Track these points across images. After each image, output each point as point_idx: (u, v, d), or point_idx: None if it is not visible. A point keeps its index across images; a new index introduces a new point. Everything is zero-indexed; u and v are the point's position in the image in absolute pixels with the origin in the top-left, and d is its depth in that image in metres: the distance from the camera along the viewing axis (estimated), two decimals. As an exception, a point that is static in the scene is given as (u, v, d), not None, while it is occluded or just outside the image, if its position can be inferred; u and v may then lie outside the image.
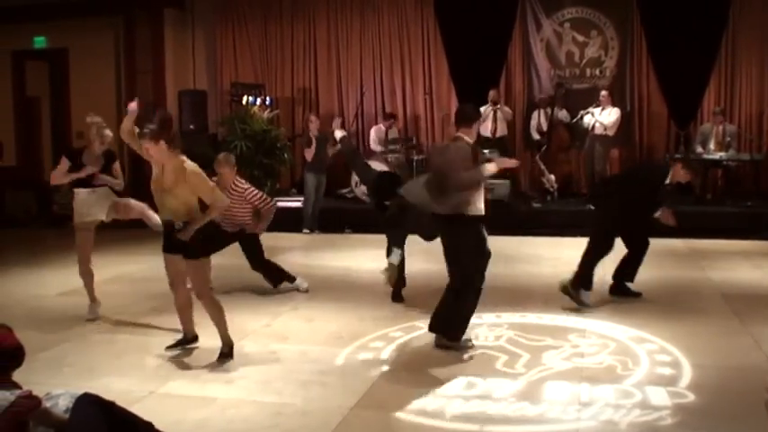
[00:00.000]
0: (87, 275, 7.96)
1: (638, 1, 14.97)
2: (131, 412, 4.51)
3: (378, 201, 8.94)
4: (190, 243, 6.38)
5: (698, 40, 14.23)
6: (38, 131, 17.74)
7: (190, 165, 6.51)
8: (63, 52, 17.10)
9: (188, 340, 6.89)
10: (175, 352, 6.75)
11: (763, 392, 3.35)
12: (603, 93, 14.49)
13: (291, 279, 9.02)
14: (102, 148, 8.12)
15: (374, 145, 15.37)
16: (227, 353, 6.56)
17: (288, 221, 12.79)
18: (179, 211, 6.47)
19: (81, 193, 7.89)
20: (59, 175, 7.90)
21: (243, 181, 8.96)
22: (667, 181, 8.07)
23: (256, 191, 8.94)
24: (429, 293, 8.81)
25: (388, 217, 8.46)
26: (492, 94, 14.87)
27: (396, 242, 8.32)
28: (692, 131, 14.75)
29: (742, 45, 14.94)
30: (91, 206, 7.86)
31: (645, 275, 9.72)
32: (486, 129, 14.62)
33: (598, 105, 14.29)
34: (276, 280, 9.00)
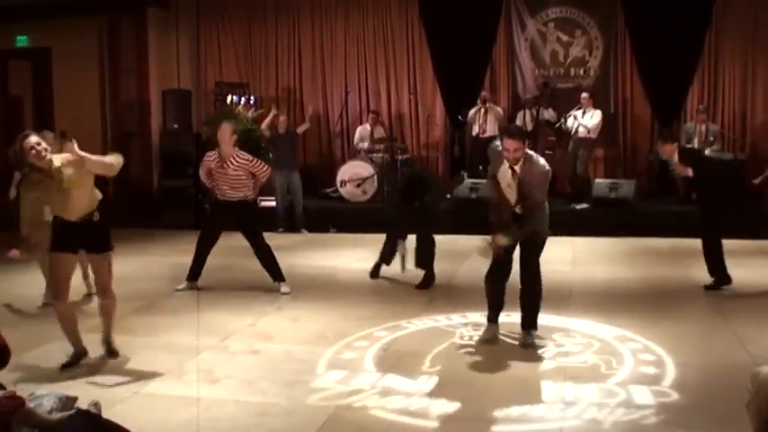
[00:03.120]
0: None
1: (622, 1, 15.02)
2: (118, 424, 4.47)
3: (406, 200, 9.41)
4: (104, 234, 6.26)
5: (681, 39, 14.27)
6: (20, 131, 17.55)
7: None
8: (46, 51, 17.01)
9: (83, 354, 6.51)
10: (75, 371, 6.30)
11: (749, 388, 3.35)
12: (584, 95, 14.47)
13: (280, 279, 8.99)
14: None
15: (359, 144, 15.35)
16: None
17: (270, 221, 12.78)
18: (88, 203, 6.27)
19: None
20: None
21: (243, 153, 9.02)
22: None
23: (257, 160, 9.07)
24: (415, 293, 8.85)
25: (415, 216, 8.99)
26: (483, 93, 14.90)
27: (399, 236, 9.20)
28: (676, 130, 14.80)
29: (725, 45, 15.02)
30: None
31: (628, 274, 9.79)
32: (474, 129, 14.66)
33: (580, 107, 14.30)
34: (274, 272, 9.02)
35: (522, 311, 6.93)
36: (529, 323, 6.92)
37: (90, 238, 6.28)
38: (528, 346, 6.77)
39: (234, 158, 8.79)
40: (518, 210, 6.76)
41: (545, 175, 6.67)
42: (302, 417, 5.29)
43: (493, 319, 7.04)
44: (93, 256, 6.44)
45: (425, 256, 9.16)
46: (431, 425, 5.15)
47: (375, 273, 9.65)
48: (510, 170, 6.66)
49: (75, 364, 6.39)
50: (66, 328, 6.43)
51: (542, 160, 6.76)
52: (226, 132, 8.88)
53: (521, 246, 6.77)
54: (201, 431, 5.08)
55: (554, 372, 6.16)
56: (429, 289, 9.02)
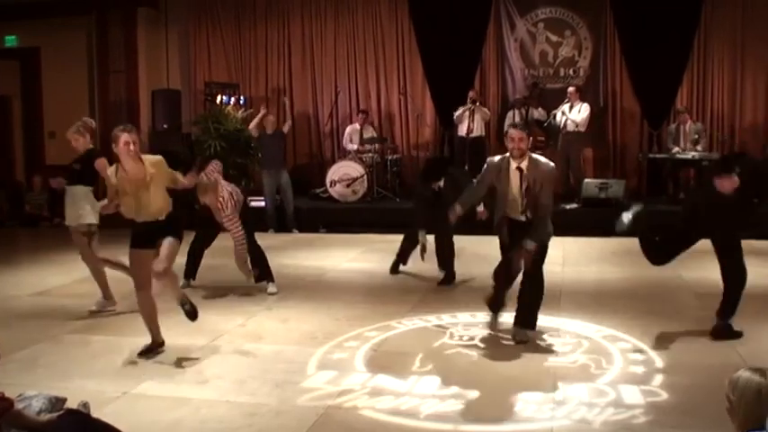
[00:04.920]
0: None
1: (611, 1, 15.07)
2: (108, 424, 4.46)
3: (424, 182, 9.34)
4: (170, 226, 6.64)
5: (670, 40, 14.33)
6: (9, 131, 17.58)
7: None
8: (35, 51, 16.97)
9: (159, 344, 6.81)
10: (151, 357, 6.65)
11: (724, 401, 3.36)
12: (570, 89, 14.49)
13: (268, 279, 8.98)
14: None
15: (349, 144, 15.35)
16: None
17: (260, 221, 12.77)
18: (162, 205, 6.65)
19: None
20: None
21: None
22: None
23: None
24: (405, 293, 8.85)
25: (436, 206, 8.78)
26: (471, 93, 14.92)
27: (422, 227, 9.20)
28: (665, 131, 14.85)
29: (714, 45, 15.07)
30: None
31: (618, 274, 9.81)
32: (462, 129, 14.67)
33: (568, 101, 14.31)
34: (262, 271, 8.98)
35: (520, 308, 6.99)
36: (525, 321, 6.98)
37: (160, 230, 6.63)
38: (521, 342, 6.84)
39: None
40: (525, 216, 6.80)
41: (553, 174, 6.79)
42: (292, 417, 5.28)
43: (496, 310, 7.34)
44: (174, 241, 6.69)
45: (446, 256, 9.23)
46: (421, 425, 5.15)
47: (395, 269, 9.83)
48: (517, 171, 6.68)
49: (152, 352, 6.68)
50: (147, 317, 6.76)
51: (545, 159, 6.84)
52: None
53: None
54: (191, 432, 5.08)
55: (544, 372, 6.17)
56: (450, 285, 9.15)
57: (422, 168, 9.89)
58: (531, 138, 6.76)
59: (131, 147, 6.48)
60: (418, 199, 9.62)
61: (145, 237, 6.62)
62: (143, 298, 6.69)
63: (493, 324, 7.36)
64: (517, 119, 14.77)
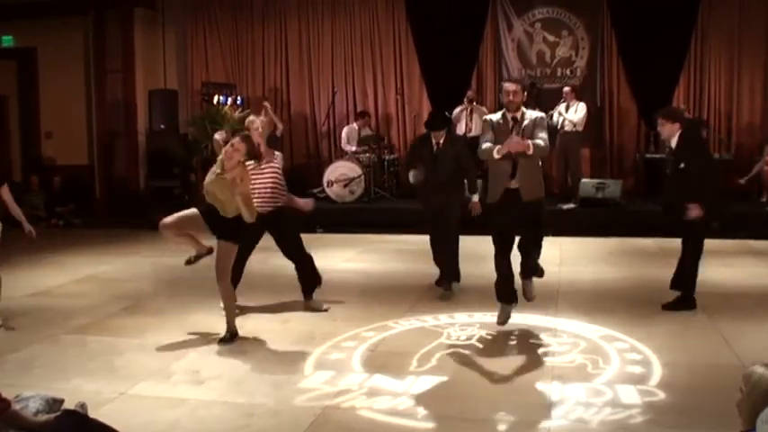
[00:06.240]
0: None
1: (608, 1, 15.08)
2: (105, 424, 4.45)
3: (423, 138, 9.11)
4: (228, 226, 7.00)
5: (667, 40, 14.36)
6: (6, 131, 17.57)
7: None
8: (31, 51, 16.96)
9: (236, 333, 7.14)
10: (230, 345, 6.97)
11: (737, 391, 3.36)
12: (566, 89, 14.50)
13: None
14: None
15: (346, 144, 15.34)
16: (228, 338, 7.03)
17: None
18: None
19: None
20: None
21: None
22: None
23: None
24: (402, 293, 8.84)
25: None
26: (469, 93, 14.93)
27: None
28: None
29: (711, 45, 15.09)
30: None
31: (615, 274, 9.81)
32: (460, 128, 14.67)
33: (564, 100, 14.32)
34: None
35: (523, 258, 7.19)
36: (530, 271, 7.25)
37: (221, 227, 7.01)
38: (532, 299, 7.28)
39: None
40: (517, 181, 6.92)
41: (543, 119, 7.09)
42: (289, 417, 5.28)
43: (506, 299, 7.22)
44: (218, 242, 7.07)
45: (448, 261, 8.81)
46: (418, 425, 5.15)
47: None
48: (512, 121, 6.93)
49: (231, 341, 7.01)
50: (227, 304, 7.17)
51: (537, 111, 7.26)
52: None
53: (525, 220, 6.99)
54: (188, 432, 5.08)
55: (541, 371, 6.17)
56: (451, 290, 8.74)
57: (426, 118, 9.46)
58: (525, 92, 7.01)
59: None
60: (415, 162, 8.99)
61: (233, 231, 7.02)
62: (223, 288, 7.11)
63: (503, 317, 7.21)
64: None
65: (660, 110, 8.20)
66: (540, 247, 7.23)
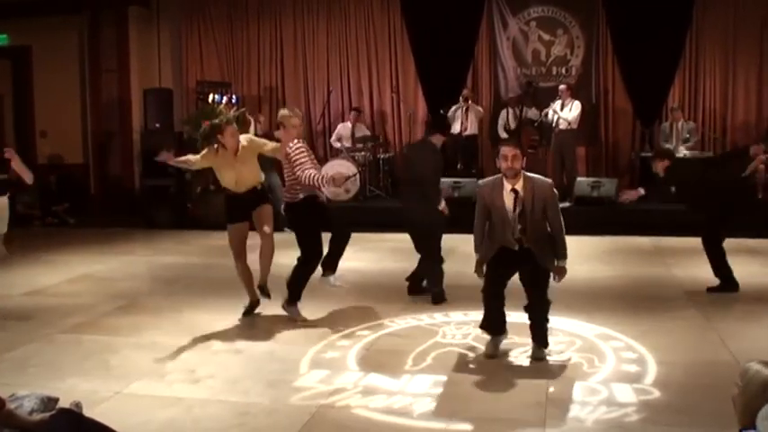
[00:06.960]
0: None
1: (603, 0, 15.09)
2: (100, 423, 4.44)
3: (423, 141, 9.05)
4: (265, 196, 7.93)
5: (662, 39, 14.36)
6: (0, 130, 17.53)
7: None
8: (26, 50, 16.92)
9: (256, 304, 7.94)
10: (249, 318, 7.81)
11: (732, 387, 3.37)
12: (562, 86, 14.50)
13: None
14: None
15: (340, 142, 15.33)
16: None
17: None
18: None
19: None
20: None
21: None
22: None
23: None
24: (398, 292, 8.84)
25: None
26: (465, 91, 14.95)
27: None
28: (657, 129, 14.88)
29: (706, 44, 15.10)
30: None
31: (610, 273, 9.82)
32: (456, 127, 14.67)
33: (559, 98, 14.32)
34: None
35: (533, 325, 6.54)
36: (542, 339, 6.52)
37: (255, 200, 7.74)
38: (539, 360, 6.41)
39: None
40: (518, 245, 6.29)
41: (554, 191, 6.24)
42: (285, 416, 5.28)
43: (494, 332, 6.60)
44: (258, 209, 7.76)
45: (428, 277, 8.55)
46: (413, 424, 5.15)
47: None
48: (512, 194, 6.18)
49: (251, 313, 7.91)
50: (245, 282, 7.95)
51: (541, 177, 6.35)
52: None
53: (531, 273, 6.42)
54: (184, 431, 5.07)
55: (536, 370, 6.18)
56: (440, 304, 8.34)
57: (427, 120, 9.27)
58: (524, 157, 6.16)
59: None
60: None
61: (240, 211, 7.68)
62: (241, 266, 7.87)
63: (492, 349, 6.56)
64: (511, 118, 14.83)
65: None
66: (546, 310, 6.57)
